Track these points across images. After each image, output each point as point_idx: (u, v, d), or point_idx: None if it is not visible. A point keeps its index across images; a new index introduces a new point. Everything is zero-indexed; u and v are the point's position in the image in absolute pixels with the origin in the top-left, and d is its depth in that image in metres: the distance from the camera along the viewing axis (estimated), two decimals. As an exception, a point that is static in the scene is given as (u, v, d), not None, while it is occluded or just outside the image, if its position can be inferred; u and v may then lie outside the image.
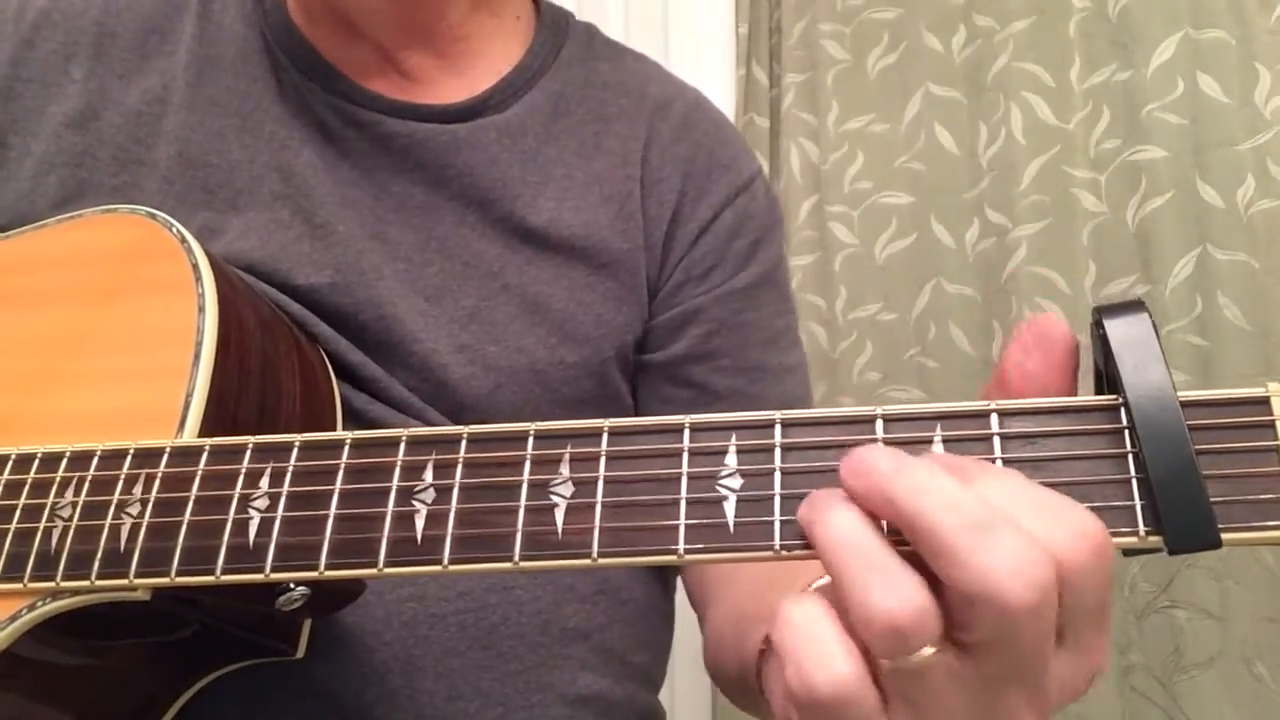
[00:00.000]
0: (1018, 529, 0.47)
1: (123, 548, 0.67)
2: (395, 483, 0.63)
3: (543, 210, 1.03)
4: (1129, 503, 0.52)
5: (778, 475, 0.57)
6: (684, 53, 2.27)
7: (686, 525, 0.57)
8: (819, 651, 0.50)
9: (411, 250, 1.00)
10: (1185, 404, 0.52)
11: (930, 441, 0.55)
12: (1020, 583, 0.46)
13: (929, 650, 0.49)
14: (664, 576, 1.12)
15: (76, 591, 0.68)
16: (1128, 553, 0.55)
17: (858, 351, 2.15)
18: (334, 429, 0.90)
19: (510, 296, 1.01)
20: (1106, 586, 0.50)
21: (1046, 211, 2.04)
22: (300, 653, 0.82)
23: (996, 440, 0.55)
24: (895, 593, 0.48)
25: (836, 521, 0.51)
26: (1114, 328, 0.54)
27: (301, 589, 0.68)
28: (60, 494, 0.71)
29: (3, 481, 0.74)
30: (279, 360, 0.86)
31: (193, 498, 0.67)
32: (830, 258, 2.20)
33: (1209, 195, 1.92)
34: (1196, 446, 0.51)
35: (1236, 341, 1.86)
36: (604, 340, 1.03)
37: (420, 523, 0.61)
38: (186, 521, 0.66)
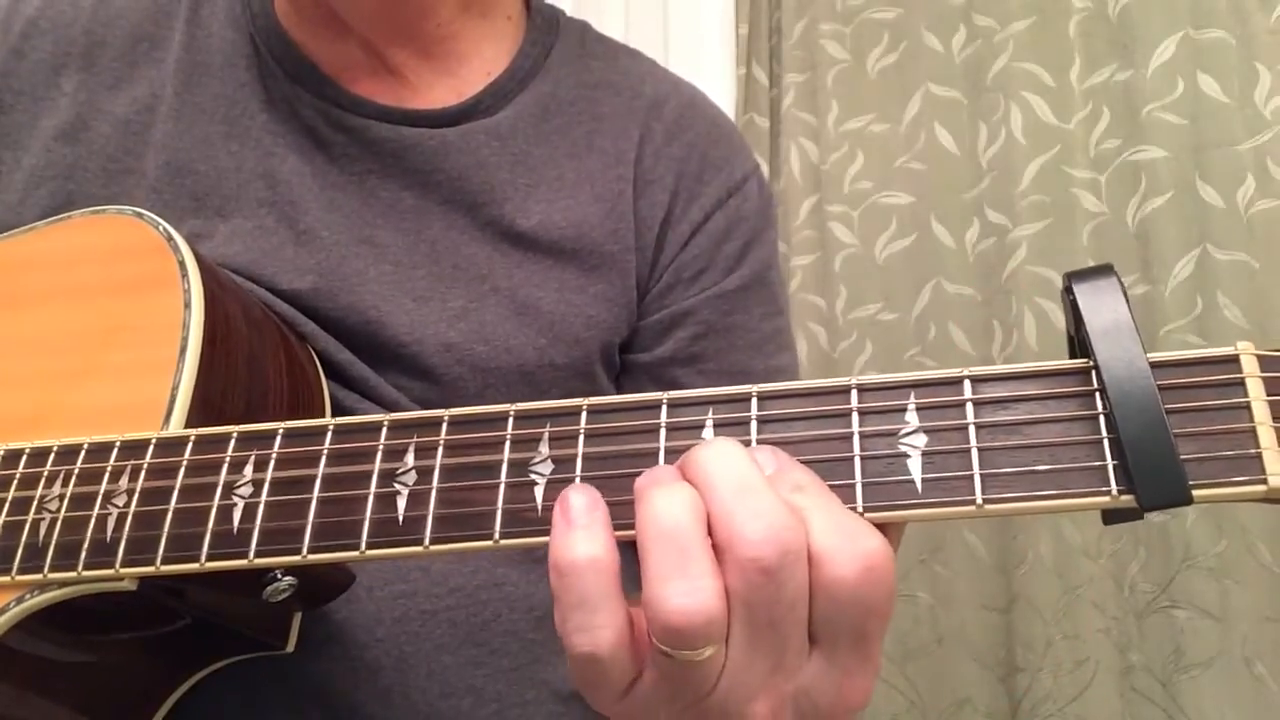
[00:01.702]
0: (780, 504, 0.52)
1: (109, 538, 0.67)
2: (377, 466, 0.63)
3: (533, 213, 1.03)
4: (1101, 463, 0.53)
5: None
6: (684, 53, 2.27)
7: (664, 499, 0.57)
8: (588, 614, 0.54)
9: (400, 253, 1.00)
10: (1155, 365, 0.53)
11: (904, 409, 0.56)
12: (756, 534, 0.51)
13: (709, 651, 0.51)
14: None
15: (64, 583, 0.68)
16: (1106, 518, 0.55)
17: (858, 351, 2.15)
18: (323, 425, 0.90)
19: (499, 298, 1.00)
20: (872, 613, 0.52)
21: (1046, 211, 2.04)
22: (291, 647, 0.82)
23: (969, 406, 0.55)
24: (690, 596, 0.51)
25: (661, 502, 0.54)
26: (1083, 292, 0.55)
27: (289, 579, 0.68)
28: (48, 487, 0.71)
29: (-9, 476, 0.74)
30: (266, 356, 0.86)
31: (178, 487, 0.67)
32: (830, 258, 2.21)
33: (1209, 195, 1.92)
34: (1167, 406, 0.52)
35: (1236, 342, 1.85)
36: (593, 341, 1.02)
37: (402, 504, 0.62)
38: (171, 510, 0.67)
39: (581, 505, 0.55)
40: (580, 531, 0.54)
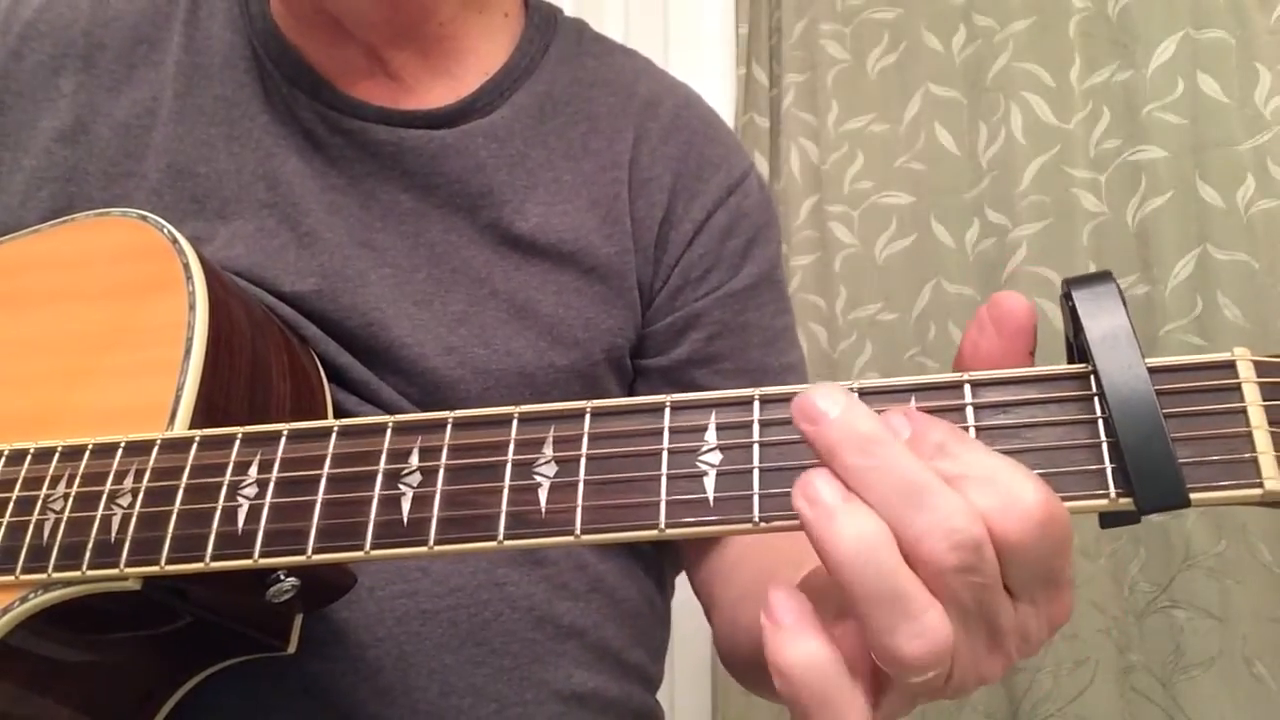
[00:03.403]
0: (951, 493, 0.50)
1: (113, 538, 0.68)
2: (382, 467, 0.64)
3: (530, 215, 1.03)
4: (1099, 466, 0.53)
5: (756, 449, 0.57)
6: (684, 53, 2.27)
7: (667, 501, 0.58)
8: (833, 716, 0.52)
9: (399, 256, 1.00)
10: (1153, 370, 0.54)
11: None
12: (945, 543, 0.49)
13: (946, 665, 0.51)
14: (659, 577, 1.12)
15: (68, 583, 0.69)
16: (1103, 521, 0.55)
17: (858, 351, 2.14)
18: (324, 428, 0.91)
19: (498, 301, 1.01)
20: (1055, 554, 0.52)
21: (1046, 211, 2.04)
22: (292, 648, 0.82)
23: (970, 410, 0.56)
24: (921, 636, 0.50)
25: (851, 536, 0.51)
26: (1082, 298, 0.56)
27: (291, 580, 0.68)
28: (52, 487, 0.72)
29: (-4, 477, 0.74)
30: (269, 359, 0.87)
31: (182, 487, 0.68)
32: (830, 258, 2.20)
33: (1209, 195, 1.92)
34: (1165, 410, 0.52)
35: (1236, 341, 1.84)
36: (593, 343, 1.03)
37: (406, 505, 0.62)
38: (176, 511, 0.67)
39: (787, 607, 0.53)
40: (788, 634, 0.53)
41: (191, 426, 0.75)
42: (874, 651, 0.51)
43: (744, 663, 0.96)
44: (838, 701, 0.52)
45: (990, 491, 0.50)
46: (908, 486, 0.50)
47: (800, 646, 0.52)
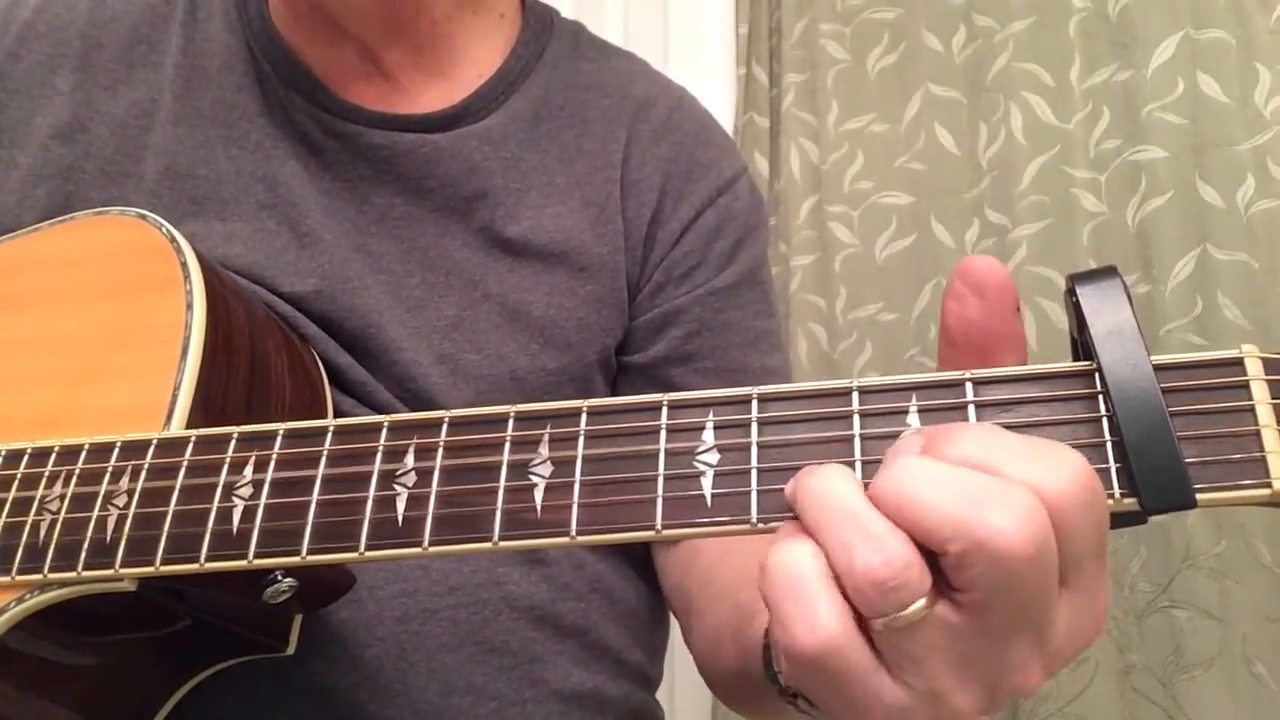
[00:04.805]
0: (1005, 484, 0.48)
1: (109, 538, 0.67)
2: (377, 467, 0.64)
3: (523, 218, 1.04)
4: (1104, 465, 0.52)
5: (754, 449, 0.57)
6: (684, 53, 2.27)
7: (664, 500, 0.57)
8: (804, 608, 0.50)
9: (393, 261, 1.00)
10: (1159, 367, 0.53)
11: (906, 412, 0.56)
12: (1017, 537, 0.46)
13: (918, 605, 0.48)
14: (658, 579, 1.12)
15: (64, 583, 0.68)
16: (1111, 522, 0.55)
17: (858, 351, 2.14)
18: (325, 426, 0.91)
19: (491, 305, 1.01)
20: (1102, 520, 0.50)
21: (1046, 211, 2.03)
22: (291, 649, 0.82)
23: (971, 409, 0.55)
24: (878, 550, 0.48)
25: (819, 482, 0.52)
26: (1086, 294, 0.54)
27: (289, 581, 0.68)
28: (49, 488, 0.72)
29: (-7, 477, 0.74)
30: (269, 357, 0.87)
31: (178, 487, 0.68)
32: (830, 258, 2.20)
33: (1209, 195, 1.91)
34: (1171, 409, 0.52)
35: (1236, 341, 1.81)
36: (586, 345, 1.03)
37: (401, 505, 0.62)
38: (171, 511, 0.67)
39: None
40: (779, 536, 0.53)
41: (189, 425, 0.75)
42: (840, 579, 0.50)
43: (727, 674, 0.94)
44: (812, 598, 0.50)
45: (1037, 466, 0.49)
46: (967, 499, 0.48)
47: (789, 547, 0.51)
